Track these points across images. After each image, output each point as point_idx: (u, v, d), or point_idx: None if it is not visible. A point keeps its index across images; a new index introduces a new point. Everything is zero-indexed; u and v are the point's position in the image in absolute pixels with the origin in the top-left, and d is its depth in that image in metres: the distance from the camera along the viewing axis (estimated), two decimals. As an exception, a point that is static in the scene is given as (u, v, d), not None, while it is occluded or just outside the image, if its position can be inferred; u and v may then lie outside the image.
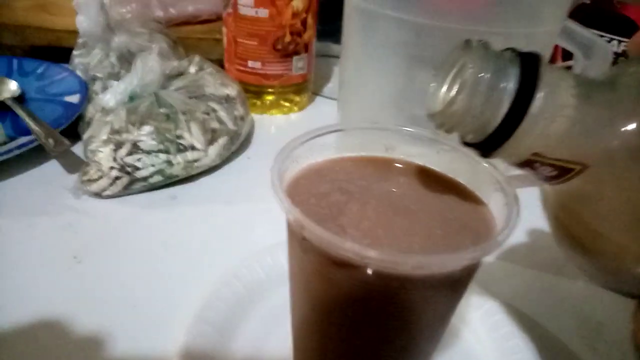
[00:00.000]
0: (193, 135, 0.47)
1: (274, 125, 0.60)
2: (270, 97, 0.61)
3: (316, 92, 0.67)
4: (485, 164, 0.24)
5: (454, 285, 0.21)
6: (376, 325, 0.22)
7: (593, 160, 0.21)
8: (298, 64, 0.59)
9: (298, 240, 0.22)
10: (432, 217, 0.23)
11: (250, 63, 0.58)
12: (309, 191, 0.23)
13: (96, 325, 0.33)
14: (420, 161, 0.26)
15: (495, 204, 0.23)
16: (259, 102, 0.61)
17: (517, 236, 0.45)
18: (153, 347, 0.32)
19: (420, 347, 0.24)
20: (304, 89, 0.63)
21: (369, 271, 0.19)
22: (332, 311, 0.22)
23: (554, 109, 0.20)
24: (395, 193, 0.24)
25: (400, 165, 0.26)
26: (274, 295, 0.34)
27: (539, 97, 0.19)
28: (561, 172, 0.21)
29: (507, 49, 0.21)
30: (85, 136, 0.48)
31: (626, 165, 0.20)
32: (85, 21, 0.55)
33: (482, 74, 0.20)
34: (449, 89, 0.21)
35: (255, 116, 0.59)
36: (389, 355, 0.23)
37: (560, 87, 0.20)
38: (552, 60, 0.59)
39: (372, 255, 0.18)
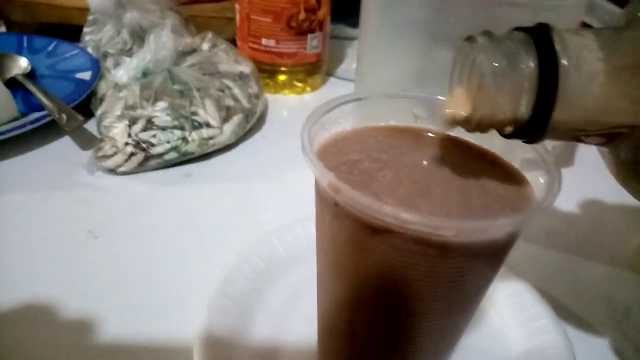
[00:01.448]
0: (208, 112, 0.46)
1: (288, 105, 0.59)
2: (283, 77, 0.60)
3: (329, 74, 0.66)
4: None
5: (493, 256, 0.21)
6: (412, 297, 0.21)
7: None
8: (312, 43, 0.57)
9: (330, 208, 0.21)
10: (468, 186, 0.22)
11: (264, 41, 0.57)
12: (338, 159, 0.23)
13: (112, 301, 0.32)
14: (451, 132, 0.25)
15: (533, 174, 0.23)
16: (271, 82, 0.60)
17: (542, 219, 0.45)
18: (169, 322, 0.31)
19: (455, 321, 0.23)
20: (318, 69, 0.62)
21: (408, 237, 0.18)
22: (365, 283, 0.22)
23: (585, 81, 0.19)
24: (428, 163, 0.23)
25: (431, 135, 0.25)
26: (295, 271, 0.33)
27: (565, 68, 0.18)
28: (610, 137, 0.20)
29: (513, 29, 0.20)
30: (98, 112, 0.47)
31: None
32: (95, -3, 0.54)
33: (497, 63, 0.19)
34: (468, 90, 0.20)
35: (269, 96, 0.58)
36: (423, 330, 0.23)
37: (584, 55, 0.19)
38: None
39: (413, 218, 0.18)
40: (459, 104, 0.20)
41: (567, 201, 0.48)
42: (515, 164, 0.24)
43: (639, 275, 0.39)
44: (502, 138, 0.21)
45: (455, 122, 0.21)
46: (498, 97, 0.19)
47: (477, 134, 0.22)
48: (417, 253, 0.19)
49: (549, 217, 0.44)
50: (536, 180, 0.23)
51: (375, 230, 0.19)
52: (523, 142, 0.21)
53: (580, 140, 0.21)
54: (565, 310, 0.34)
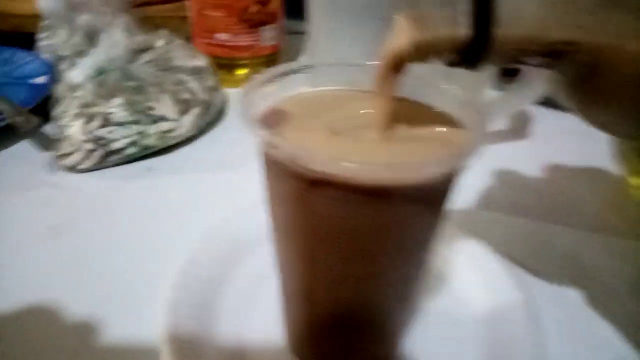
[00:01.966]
0: (164, 106, 0.47)
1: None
2: (242, 71, 0.60)
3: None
4: (451, 89, 0.24)
5: (431, 201, 0.21)
6: (357, 250, 0.22)
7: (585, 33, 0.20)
8: (267, 35, 0.58)
9: (271, 168, 0.22)
10: (403, 134, 0.23)
11: (218, 36, 0.57)
12: (276, 120, 0.23)
13: (75, 296, 0.32)
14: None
15: (466, 120, 0.24)
16: (231, 77, 0.60)
17: (505, 189, 0.46)
18: (135, 317, 0.31)
19: (404, 274, 0.24)
20: (276, 61, 0.62)
21: (344, 186, 0.19)
22: (312, 241, 0.22)
23: None
24: (363, 116, 0.24)
25: (369, 94, 0.26)
26: (263, 250, 0.33)
27: None
28: (554, 56, 0.21)
29: None
30: (55, 113, 0.47)
31: None
32: (46, 1, 0.54)
33: None
34: (409, 20, 0.21)
35: (230, 90, 0.59)
36: (373, 284, 0.23)
37: None
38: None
39: (346, 165, 0.18)
40: (400, 35, 0.21)
41: (526, 170, 0.49)
42: (452, 113, 0.24)
43: (603, 236, 0.40)
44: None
45: (399, 52, 0.21)
46: (437, 20, 0.20)
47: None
48: (355, 202, 0.20)
49: (511, 187, 0.46)
50: (469, 125, 0.23)
51: (313, 184, 0.20)
52: (468, 68, 0.21)
53: (525, 63, 0.21)
54: (530, 272, 0.35)
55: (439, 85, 0.25)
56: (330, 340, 0.27)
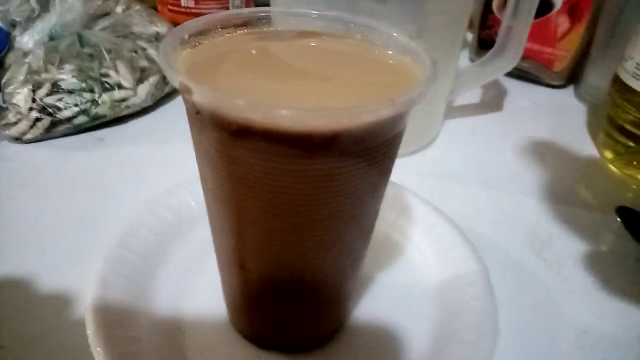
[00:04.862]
0: (120, 74, 0.44)
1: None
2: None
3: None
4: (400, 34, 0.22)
5: (371, 151, 0.19)
6: (288, 209, 0.19)
7: None
8: (235, 1, 0.56)
9: (193, 119, 0.19)
10: (348, 80, 0.21)
11: (183, 2, 0.55)
12: (200, 66, 0.21)
13: (14, 264, 0.30)
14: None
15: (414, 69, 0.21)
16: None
17: (470, 160, 0.44)
18: (73, 282, 0.29)
19: (341, 234, 0.21)
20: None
21: (270, 136, 0.17)
22: (242, 201, 0.20)
23: None
24: (298, 58, 0.22)
25: (307, 33, 0.24)
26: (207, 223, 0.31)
27: None
28: None
29: None
30: (3, 80, 0.44)
31: None
32: (-1, -36, 0.51)
33: None
34: None
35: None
36: (310, 249, 0.21)
37: None
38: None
39: (269, 110, 0.16)
40: None
41: (497, 143, 0.47)
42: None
43: (571, 209, 0.39)
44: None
45: None
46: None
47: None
48: (285, 155, 0.18)
49: (481, 160, 0.44)
50: (415, 71, 0.21)
51: (236, 133, 0.17)
52: None
53: None
54: (485, 241, 0.34)
55: (389, 30, 0.23)
56: (267, 311, 0.25)
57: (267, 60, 0.22)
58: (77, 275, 0.29)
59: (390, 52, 0.23)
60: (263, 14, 0.24)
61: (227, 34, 0.23)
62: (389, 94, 0.19)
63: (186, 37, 0.21)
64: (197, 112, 0.19)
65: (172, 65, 0.18)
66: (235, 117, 0.17)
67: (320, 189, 0.19)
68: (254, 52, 0.22)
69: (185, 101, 0.19)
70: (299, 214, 0.20)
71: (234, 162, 0.19)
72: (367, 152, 0.19)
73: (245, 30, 0.24)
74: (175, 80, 0.18)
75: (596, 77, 0.54)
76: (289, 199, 0.19)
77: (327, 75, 0.21)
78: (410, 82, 0.20)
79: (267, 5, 0.58)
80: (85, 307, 0.25)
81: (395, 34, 0.22)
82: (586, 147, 0.48)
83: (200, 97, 0.17)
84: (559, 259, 0.34)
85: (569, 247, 0.35)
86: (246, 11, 0.23)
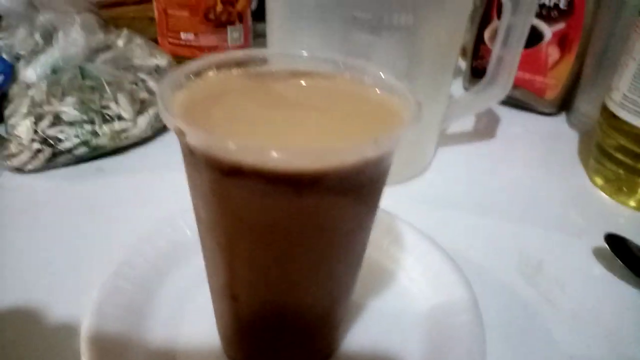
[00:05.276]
0: (120, 105, 0.45)
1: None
2: (208, 72, 0.59)
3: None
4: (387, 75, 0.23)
5: (359, 188, 0.20)
6: (278, 245, 0.20)
7: None
8: (233, 35, 0.57)
9: (188, 159, 0.20)
10: (335, 120, 0.22)
11: (183, 35, 0.56)
12: (197, 110, 0.22)
13: (13, 293, 0.31)
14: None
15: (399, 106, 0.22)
16: (197, 78, 0.59)
17: (463, 186, 0.45)
18: (72, 311, 0.30)
19: (332, 267, 0.22)
20: (244, 63, 0.61)
21: (259, 175, 0.18)
22: (234, 237, 0.21)
23: None
24: (297, 99, 0.23)
25: (303, 76, 0.25)
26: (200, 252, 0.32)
27: None
28: None
29: None
30: (6, 112, 0.45)
31: None
32: (4, 0, 0.52)
33: None
34: None
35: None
36: (300, 282, 0.22)
37: None
38: (489, 17, 0.59)
39: (259, 151, 0.17)
40: None
41: (490, 170, 0.48)
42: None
43: (562, 235, 0.40)
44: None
45: None
46: None
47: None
48: (275, 193, 0.18)
49: (474, 186, 0.45)
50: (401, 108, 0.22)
51: (228, 173, 0.18)
52: None
53: None
54: (477, 267, 0.35)
55: (377, 70, 0.24)
56: (260, 340, 0.25)
57: (260, 100, 0.23)
58: (76, 304, 0.29)
59: (377, 91, 0.24)
60: (257, 55, 0.25)
61: (222, 75, 0.24)
62: (375, 132, 0.20)
63: (183, 79, 0.22)
64: (191, 153, 0.19)
65: (168, 108, 0.19)
66: (227, 159, 0.18)
67: (309, 225, 0.20)
68: (246, 93, 0.23)
69: (180, 142, 0.20)
70: (288, 248, 0.20)
71: (226, 199, 0.20)
72: (354, 189, 0.20)
73: (240, 70, 0.25)
74: (170, 124, 0.19)
75: (587, 105, 0.55)
76: (279, 234, 0.20)
77: (317, 113, 0.22)
78: (395, 121, 0.21)
79: (264, 37, 0.60)
80: (80, 336, 0.25)
81: (381, 74, 0.24)
82: (577, 173, 0.49)
83: (194, 139, 0.18)
84: (549, 285, 0.34)
85: (560, 274, 0.36)
86: (240, 53, 0.24)
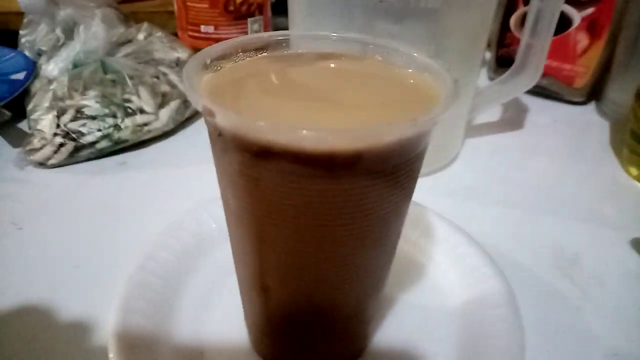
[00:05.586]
0: (142, 99, 0.45)
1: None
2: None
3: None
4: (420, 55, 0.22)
5: (394, 171, 0.19)
6: (311, 230, 0.19)
7: None
8: (253, 27, 0.56)
9: (216, 141, 0.20)
10: (369, 101, 0.21)
11: (202, 28, 0.56)
12: (224, 92, 0.21)
13: (37, 287, 0.31)
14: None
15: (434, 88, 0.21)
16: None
17: (491, 178, 0.44)
18: (96, 305, 0.29)
19: (366, 255, 0.21)
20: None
21: (291, 157, 0.17)
22: (265, 222, 0.20)
23: None
24: (326, 81, 0.22)
25: (330, 58, 0.24)
26: (228, 244, 0.31)
27: None
28: None
29: None
30: (29, 107, 0.45)
31: None
32: (26, -4, 0.52)
33: None
34: None
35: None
36: (332, 270, 0.21)
37: None
38: (515, 3, 0.57)
39: (292, 131, 0.16)
40: None
41: (518, 161, 0.47)
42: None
43: (593, 228, 0.38)
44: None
45: None
46: None
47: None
48: (307, 175, 0.18)
49: (502, 178, 0.44)
50: (436, 90, 0.21)
51: (258, 154, 0.18)
52: None
53: None
54: (510, 261, 0.33)
55: (409, 50, 0.23)
56: (290, 334, 0.24)
57: (287, 83, 0.22)
58: (100, 298, 0.29)
59: (410, 72, 0.23)
60: (282, 38, 0.24)
61: (247, 58, 0.23)
62: (411, 113, 0.19)
63: (208, 61, 0.21)
64: (220, 134, 0.19)
65: (195, 88, 0.18)
66: (257, 139, 0.17)
67: (342, 209, 0.19)
68: (274, 74, 0.22)
69: (208, 124, 0.19)
70: (320, 235, 0.19)
71: (256, 182, 0.19)
72: (390, 172, 0.19)
73: (266, 53, 0.24)
74: (198, 104, 0.18)
75: (618, 93, 0.53)
76: (311, 220, 0.19)
77: (348, 95, 0.21)
78: (432, 101, 0.20)
79: (286, 29, 0.58)
80: (107, 331, 0.25)
81: (415, 54, 0.23)
82: (610, 163, 0.47)
83: (223, 119, 0.17)
84: (586, 278, 0.33)
85: (596, 266, 0.34)
86: (266, 35, 0.24)
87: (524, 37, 0.43)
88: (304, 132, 0.16)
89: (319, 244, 0.20)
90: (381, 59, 0.24)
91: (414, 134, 0.18)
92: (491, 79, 0.63)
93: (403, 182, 0.20)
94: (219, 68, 0.22)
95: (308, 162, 0.17)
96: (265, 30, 0.58)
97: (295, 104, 0.20)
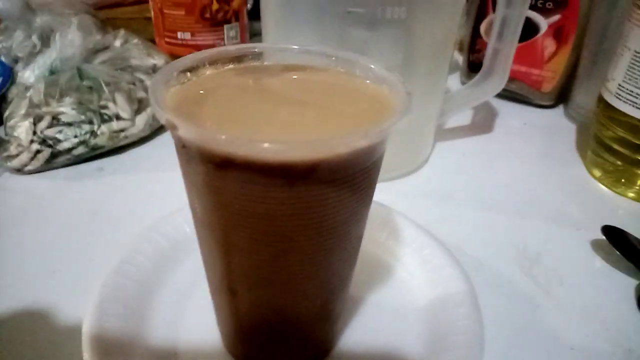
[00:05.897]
0: (118, 105, 0.45)
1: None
2: (206, 71, 0.59)
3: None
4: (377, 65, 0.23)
5: (350, 178, 0.20)
6: (273, 236, 0.20)
7: None
8: (230, 33, 0.57)
9: (181, 153, 0.21)
10: (326, 111, 0.22)
11: (179, 34, 0.56)
12: (190, 104, 0.22)
13: (14, 293, 0.31)
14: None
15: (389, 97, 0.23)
16: (194, 77, 0.59)
17: (461, 181, 0.45)
18: (72, 310, 0.30)
19: (328, 260, 0.22)
20: (241, 61, 0.61)
21: (251, 167, 0.18)
22: (228, 229, 0.21)
23: None
24: (289, 92, 0.23)
25: (295, 70, 0.25)
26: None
27: None
28: None
29: None
30: (5, 114, 0.46)
31: None
32: (2, 3, 0.53)
33: None
34: None
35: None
36: (295, 273, 0.22)
37: None
38: (485, 10, 0.59)
39: (249, 143, 0.17)
40: None
41: (488, 164, 0.48)
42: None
43: (559, 228, 0.40)
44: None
45: None
46: None
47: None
48: (266, 185, 0.19)
49: (471, 180, 0.45)
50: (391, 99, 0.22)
51: (220, 166, 0.19)
52: None
53: None
54: (475, 261, 0.35)
55: (368, 63, 0.24)
56: (258, 335, 0.25)
57: (251, 94, 0.23)
58: (78, 303, 0.30)
59: (369, 83, 0.24)
60: (249, 50, 0.25)
61: (214, 70, 0.24)
62: (366, 124, 0.20)
63: (175, 74, 0.22)
64: (184, 146, 0.20)
65: (159, 102, 0.19)
66: (218, 151, 0.18)
67: (301, 216, 0.20)
68: (239, 87, 0.23)
69: (173, 136, 0.20)
70: (282, 241, 0.21)
71: (220, 191, 0.20)
72: (346, 180, 0.20)
73: (232, 66, 0.25)
74: (162, 117, 0.19)
75: (584, 97, 0.55)
76: (272, 226, 0.20)
77: (309, 106, 0.23)
78: (388, 112, 0.21)
79: (260, 35, 0.59)
80: (82, 334, 0.25)
81: (372, 66, 0.24)
82: (576, 165, 0.49)
83: (186, 132, 0.18)
84: (548, 277, 0.35)
85: (558, 266, 0.36)
86: (233, 48, 0.25)
87: (491, 42, 0.45)
88: (263, 144, 0.17)
89: (281, 249, 0.21)
90: (343, 71, 0.25)
91: (367, 145, 0.19)
92: (463, 83, 0.65)
93: (360, 189, 0.21)
94: (185, 81, 0.23)
95: (267, 172, 0.18)
96: (242, 36, 0.59)
97: (257, 117, 0.21)
